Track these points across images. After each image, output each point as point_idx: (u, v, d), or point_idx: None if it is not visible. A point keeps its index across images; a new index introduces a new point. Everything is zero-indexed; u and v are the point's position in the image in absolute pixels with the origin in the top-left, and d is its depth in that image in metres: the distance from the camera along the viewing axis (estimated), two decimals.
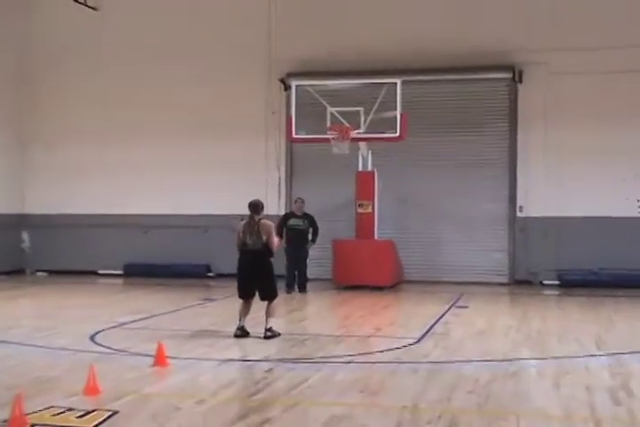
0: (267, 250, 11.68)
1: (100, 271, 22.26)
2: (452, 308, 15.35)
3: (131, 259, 21.96)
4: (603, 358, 10.16)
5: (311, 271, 18.70)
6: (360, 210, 19.07)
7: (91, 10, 22.06)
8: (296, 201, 18.73)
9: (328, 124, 18.61)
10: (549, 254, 19.64)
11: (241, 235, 11.72)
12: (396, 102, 18.33)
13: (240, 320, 11.65)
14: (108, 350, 10.50)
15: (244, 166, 21.37)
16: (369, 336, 12.06)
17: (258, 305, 11.84)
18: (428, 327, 12.58)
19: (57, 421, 6.98)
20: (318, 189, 20.78)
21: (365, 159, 19.23)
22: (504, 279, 20.13)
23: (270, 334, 11.47)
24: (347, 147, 18.47)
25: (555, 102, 19.67)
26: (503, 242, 20.31)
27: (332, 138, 18.42)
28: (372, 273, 18.34)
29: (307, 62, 20.86)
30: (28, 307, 16.52)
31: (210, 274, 21.46)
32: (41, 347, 10.78)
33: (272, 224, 11.99)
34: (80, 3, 21.68)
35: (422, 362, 9.83)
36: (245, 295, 11.78)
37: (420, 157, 20.59)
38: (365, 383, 8.84)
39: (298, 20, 21.24)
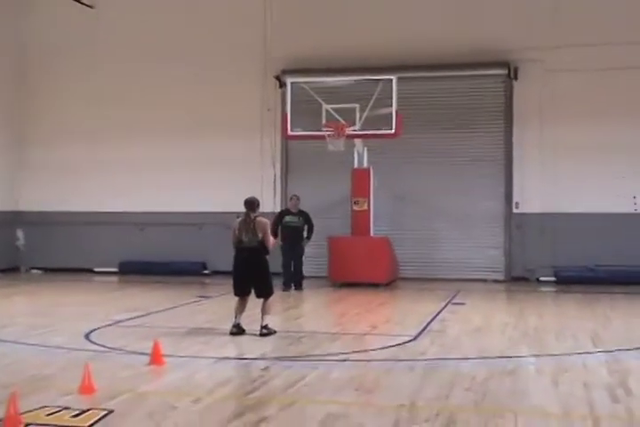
0: (262, 247, 11.64)
1: (96, 269, 22.20)
2: (449, 305, 15.32)
3: (126, 256, 21.91)
4: (600, 355, 10.14)
5: (307, 269, 18.67)
6: (356, 207, 19.04)
7: (87, 8, 21.99)
8: (291, 198, 18.71)
9: (323, 121, 18.59)
10: (545, 251, 19.64)
11: (236, 232, 11.68)
12: (391, 99, 18.29)
13: (236, 318, 11.61)
14: (104, 349, 10.45)
15: (239, 164, 21.34)
16: (365, 334, 12.02)
17: (254, 303, 11.80)
18: (424, 325, 12.55)
19: (52, 420, 6.93)
20: (314, 186, 20.77)
21: (361, 156, 19.19)
22: (500, 276, 20.14)
23: (266, 332, 11.44)
24: (342, 144, 18.44)
25: (550, 99, 19.66)
26: (499, 239, 20.31)
27: (328, 135, 18.39)
28: (367, 270, 18.30)
29: (302, 59, 20.82)
30: (23, 305, 16.46)
31: (205, 271, 21.43)
32: (36, 345, 10.73)
33: (268, 222, 11.96)
34: (76, 1, 21.59)
35: (419, 360, 9.80)
36: (241, 293, 11.74)
37: (415, 154, 20.57)
38: (362, 381, 8.81)
39: (293, 18, 21.21)
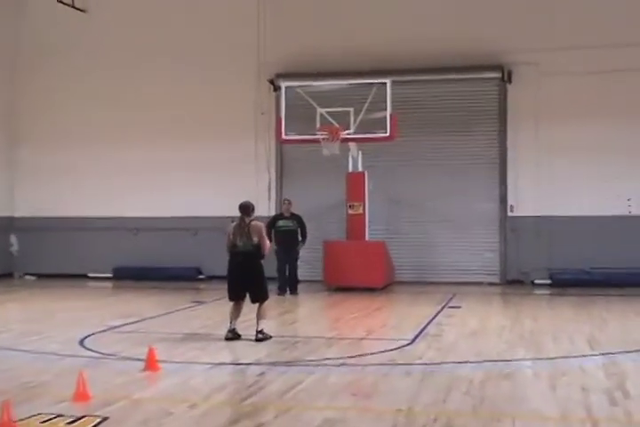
0: (257, 252, 11.60)
1: (90, 275, 22.13)
2: (445, 308, 15.29)
3: (120, 262, 21.84)
4: (597, 357, 10.10)
5: (302, 273, 18.64)
6: (351, 211, 19.00)
7: (79, 11, 21.95)
8: (284, 202, 18.70)
9: (318, 124, 18.56)
10: (541, 254, 19.62)
11: (231, 237, 11.63)
12: (385, 102, 18.28)
13: (231, 323, 11.56)
14: (98, 355, 10.39)
15: (233, 168, 21.30)
16: (361, 338, 11.99)
17: (249, 308, 11.74)
18: (420, 329, 12.50)
19: None
20: (309, 190, 20.74)
21: (355, 160, 19.15)
22: (496, 279, 20.10)
23: (262, 337, 11.38)
24: (337, 147, 18.40)
25: (544, 102, 19.64)
26: (494, 242, 20.28)
27: (322, 139, 18.35)
28: (363, 274, 18.26)
29: (296, 63, 20.80)
30: (17, 311, 16.39)
31: (200, 276, 21.35)
32: (30, 352, 10.66)
33: (263, 225, 11.92)
34: (68, 5, 21.57)
35: (416, 364, 9.75)
36: (236, 298, 11.68)
37: (410, 158, 20.55)
38: (358, 386, 8.78)
39: (287, 22, 21.18)
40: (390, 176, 20.39)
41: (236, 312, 11.63)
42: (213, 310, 15.14)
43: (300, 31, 20.98)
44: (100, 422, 7.02)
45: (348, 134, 18.41)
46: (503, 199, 20.14)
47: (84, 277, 22.02)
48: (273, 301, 13.32)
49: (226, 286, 11.81)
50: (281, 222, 18.01)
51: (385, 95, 18.30)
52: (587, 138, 19.46)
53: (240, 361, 10.21)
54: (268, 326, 11.70)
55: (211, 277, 20.67)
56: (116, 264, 21.89)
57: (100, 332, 12.31)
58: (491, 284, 19.87)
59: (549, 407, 7.60)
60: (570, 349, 10.81)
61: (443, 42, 20.09)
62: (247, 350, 10.75)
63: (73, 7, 21.72)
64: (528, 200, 19.89)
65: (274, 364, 9.85)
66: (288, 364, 9.84)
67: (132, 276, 21.41)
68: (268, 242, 11.88)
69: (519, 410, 7.60)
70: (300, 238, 18.13)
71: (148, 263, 21.48)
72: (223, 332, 11.56)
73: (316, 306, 17.03)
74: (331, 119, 18.50)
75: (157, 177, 21.70)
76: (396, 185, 20.53)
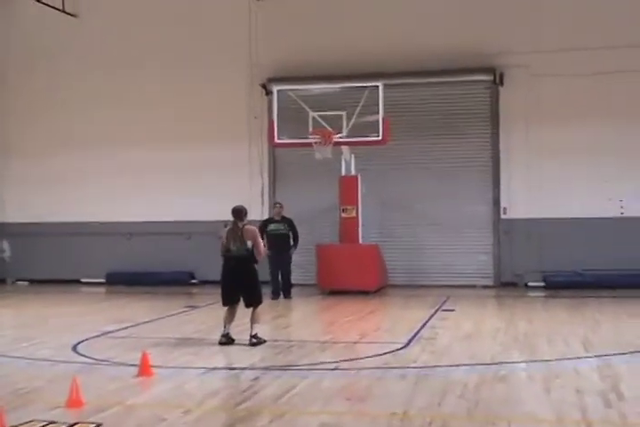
0: (251, 256, 11.58)
1: (83, 280, 22.09)
2: (439, 311, 15.27)
3: (114, 267, 21.79)
4: (591, 359, 10.10)
5: (295, 277, 18.60)
6: (344, 215, 18.99)
7: (70, 16, 21.92)
8: (274, 206, 18.67)
9: (310, 128, 18.53)
10: (534, 256, 19.61)
11: (225, 241, 11.62)
12: (378, 106, 18.27)
13: (225, 327, 11.54)
14: (91, 361, 10.35)
15: (226, 172, 21.27)
16: (355, 342, 11.94)
17: (243, 312, 11.72)
18: (414, 332, 12.49)
19: None
20: (302, 194, 20.72)
21: (348, 163, 19.15)
22: (489, 282, 20.10)
23: (255, 341, 11.37)
24: (329, 151, 18.40)
25: (536, 104, 19.65)
26: (488, 244, 20.28)
27: (315, 142, 18.34)
28: (356, 278, 18.25)
29: (288, 67, 20.79)
30: (9, 317, 16.31)
31: (193, 281, 21.32)
32: (22, 358, 10.63)
33: (256, 229, 11.92)
34: (58, 9, 21.54)
35: (410, 367, 9.74)
36: (230, 303, 11.67)
37: (402, 161, 20.54)
38: (353, 390, 8.76)
39: (278, 26, 21.17)
40: (383, 179, 20.39)
41: (230, 317, 11.62)
42: (207, 314, 15.10)
43: (291, 35, 20.98)
44: None
45: (340, 138, 18.41)
46: (496, 202, 20.14)
47: (77, 282, 21.98)
48: (267, 305, 13.31)
49: (219, 291, 11.81)
50: (272, 226, 17.97)
51: (377, 99, 18.29)
52: (579, 140, 19.47)
53: (234, 366, 10.18)
54: (261, 330, 11.68)
55: (204, 282, 20.64)
56: (109, 269, 21.85)
57: (93, 337, 12.28)
58: (484, 286, 19.87)
59: (544, 410, 7.59)
60: (564, 351, 10.79)
61: (434, 45, 20.09)
62: (241, 355, 10.73)
63: (63, 12, 21.69)
64: (521, 202, 19.89)
65: (268, 368, 9.83)
66: (282, 368, 9.82)
67: (126, 281, 21.37)
68: (262, 246, 11.87)
69: (514, 413, 7.58)
70: (291, 242, 18.11)
71: (141, 268, 21.44)
72: (217, 336, 11.55)
73: (310, 310, 17.01)
74: (323, 123, 18.49)
75: (150, 182, 21.67)
76: (389, 188, 20.52)
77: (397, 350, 10.94)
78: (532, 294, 18.90)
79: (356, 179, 19.07)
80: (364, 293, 18.17)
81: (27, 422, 7.13)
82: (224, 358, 10.77)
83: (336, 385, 8.89)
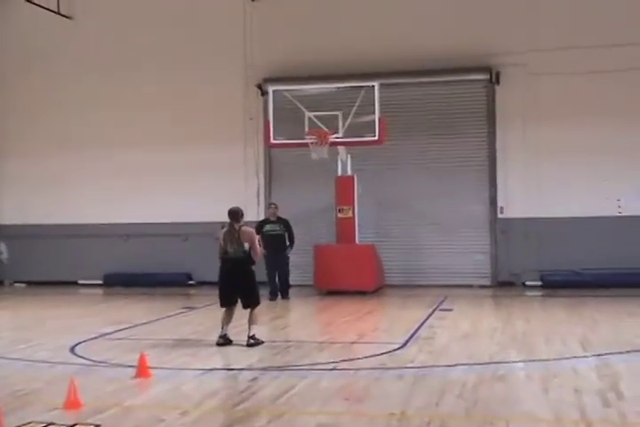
0: (248, 258, 11.58)
1: (80, 282, 22.06)
2: (436, 311, 15.26)
3: (111, 268, 21.77)
4: (589, 359, 10.09)
5: (292, 277, 18.58)
6: (340, 215, 18.98)
7: (65, 18, 21.91)
8: (270, 207, 18.66)
9: (306, 128, 18.52)
10: (531, 256, 19.62)
11: (222, 243, 11.61)
12: (374, 106, 18.26)
13: (222, 329, 11.53)
14: (89, 362, 10.34)
15: (222, 173, 21.25)
16: (353, 342, 11.93)
17: (240, 313, 11.70)
18: (412, 332, 12.48)
19: None
20: (298, 194, 20.71)
21: (345, 164, 19.14)
22: (486, 281, 20.09)
23: (253, 342, 11.36)
24: (326, 151, 18.38)
25: (532, 103, 19.66)
26: (485, 244, 20.27)
27: (311, 143, 18.33)
28: (353, 278, 18.24)
29: (283, 67, 20.79)
30: (7, 319, 16.28)
31: (191, 282, 21.31)
32: (20, 360, 10.61)
33: (253, 231, 11.91)
34: (54, 12, 21.52)
35: (408, 367, 9.74)
36: (227, 304, 11.66)
37: (399, 161, 20.54)
38: (351, 391, 8.75)
39: (273, 26, 21.17)
40: (379, 180, 20.38)
41: (227, 318, 11.61)
42: (204, 315, 15.10)
43: (287, 35, 20.97)
44: None
45: (336, 138, 18.40)
46: (493, 201, 20.14)
47: (75, 284, 21.95)
48: (264, 306, 13.28)
49: (217, 292, 11.80)
50: (268, 227, 17.94)
51: (373, 98, 18.28)
52: (576, 138, 19.46)
53: (232, 367, 10.17)
54: (259, 331, 11.67)
55: (201, 283, 20.64)
56: (106, 271, 21.83)
57: (91, 339, 12.27)
58: (482, 286, 19.86)
59: (543, 409, 7.58)
60: (562, 350, 10.79)
61: (430, 44, 20.10)
62: (239, 356, 10.72)
63: (59, 14, 21.67)
64: (518, 202, 19.89)
65: (266, 369, 9.82)
66: (280, 369, 9.81)
67: (123, 282, 21.37)
68: (259, 247, 11.88)
69: (512, 412, 7.58)
70: (287, 243, 18.10)
71: (138, 270, 21.42)
72: (214, 338, 11.54)
73: (308, 310, 17.00)
74: (319, 123, 18.48)
75: (147, 184, 21.65)
76: (386, 188, 20.51)
77: (395, 350, 10.93)
78: (529, 293, 18.89)
79: (353, 179, 19.07)
80: (362, 293, 18.17)
81: (25, 424, 7.12)
82: (222, 359, 10.75)
83: (334, 385, 8.89)
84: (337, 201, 19.08)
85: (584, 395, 8.05)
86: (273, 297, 17.64)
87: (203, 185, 21.24)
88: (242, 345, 11.29)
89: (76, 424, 7.14)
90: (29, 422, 7.19)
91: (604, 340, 11.70)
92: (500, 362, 9.97)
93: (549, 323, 13.70)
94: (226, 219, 11.71)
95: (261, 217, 19.90)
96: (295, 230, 18.26)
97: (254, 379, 9.17)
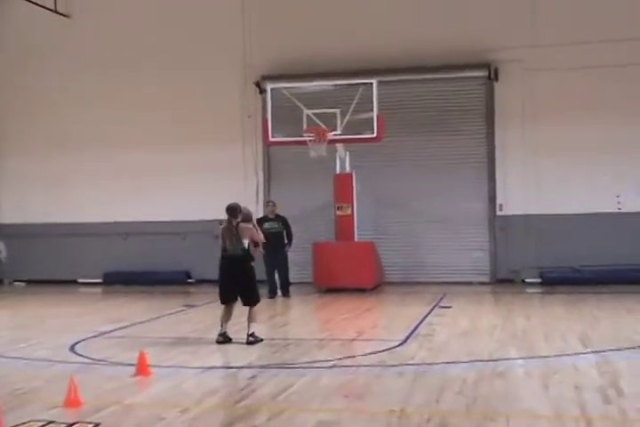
0: (247, 255, 11.58)
1: (80, 280, 22.06)
2: (436, 308, 15.26)
3: (110, 267, 21.76)
4: (590, 355, 10.08)
5: (292, 275, 18.56)
6: (339, 212, 18.97)
7: (62, 16, 21.88)
8: (268, 204, 18.63)
9: (304, 126, 18.48)
10: (530, 252, 19.62)
11: (221, 240, 11.60)
12: (372, 103, 18.23)
13: (222, 326, 11.52)
14: (89, 361, 10.34)
15: (221, 171, 21.23)
16: (352, 340, 11.94)
17: (240, 311, 11.69)
18: (411, 329, 12.47)
19: None
20: (297, 192, 20.70)
21: (343, 161, 19.13)
22: (486, 278, 20.10)
23: (253, 340, 11.35)
24: (324, 149, 18.35)
25: (531, 99, 19.67)
26: (484, 241, 20.27)
27: (309, 140, 18.31)
28: (353, 275, 18.24)
29: (281, 65, 20.77)
30: (6, 318, 16.25)
31: (190, 280, 21.30)
32: (20, 358, 10.61)
33: (251, 226, 11.86)
34: (51, 10, 21.50)
35: (408, 364, 9.72)
36: (227, 301, 11.65)
37: (397, 158, 20.52)
38: (351, 388, 8.74)
39: (271, 24, 21.14)
40: (378, 177, 20.36)
41: (226, 316, 11.60)
42: (204, 313, 15.09)
43: (284, 33, 20.95)
44: None
45: (335, 136, 18.37)
46: (492, 198, 20.13)
47: (74, 282, 21.95)
48: (263, 304, 13.25)
49: (216, 290, 11.82)
50: (266, 225, 17.89)
51: (371, 96, 18.25)
52: (575, 135, 19.44)
53: (231, 365, 10.18)
54: (258, 328, 11.66)
55: (200, 281, 20.64)
56: (105, 269, 21.82)
57: (90, 337, 12.26)
58: (481, 283, 19.85)
59: (543, 406, 7.58)
60: (562, 347, 10.78)
61: (428, 41, 20.08)
62: (238, 354, 10.72)
63: (56, 12, 21.64)
64: (517, 199, 19.89)
65: (265, 367, 9.81)
66: (279, 366, 9.80)
67: (123, 281, 21.36)
68: (260, 236, 11.86)
69: (512, 409, 7.57)
70: (285, 240, 18.08)
71: (137, 268, 21.42)
72: (214, 336, 11.53)
73: (307, 308, 16.99)
74: (317, 121, 18.44)
75: (145, 182, 21.63)
76: (384, 186, 20.49)
77: (395, 347, 10.92)
78: (529, 290, 18.89)
79: (351, 176, 19.06)
80: (361, 290, 18.17)
81: (25, 423, 7.11)
82: (221, 357, 10.76)
83: (334, 383, 8.88)
84: (335, 198, 19.07)
85: (584, 392, 8.05)
86: (272, 295, 17.63)
87: (202, 183, 21.21)
88: (241, 343, 11.28)
89: (75, 423, 7.14)
90: (29, 421, 7.17)
91: (605, 337, 11.70)
92: (500, 359, 9.96)
93: (549, 320, 13.70)
94: (225, 216, 11.69)
95: (260, 215, 19.86)
96: (294, 228, 18.27)
97: (254, 377, 9.16)
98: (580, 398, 7.81)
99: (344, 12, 20.68)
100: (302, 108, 18.59)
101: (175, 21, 21.62)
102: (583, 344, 10.94)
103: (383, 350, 10.67)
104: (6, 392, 8.48)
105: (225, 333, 11.48)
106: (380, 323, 14.40)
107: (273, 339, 11.87)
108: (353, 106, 18.23)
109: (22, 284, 22.26)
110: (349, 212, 18.92)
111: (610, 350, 10.40)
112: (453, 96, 20.38)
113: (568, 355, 10.16)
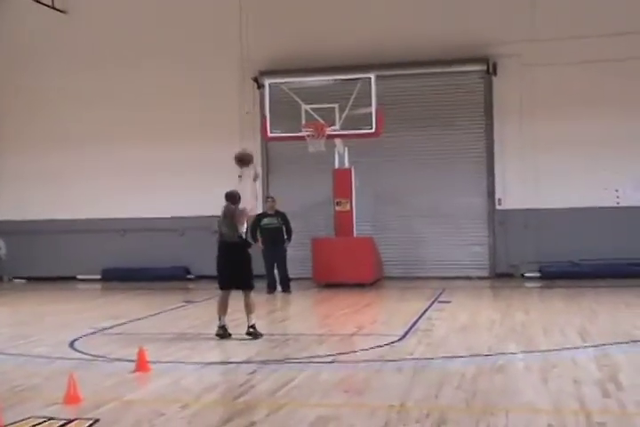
0: (244, 242, 11.66)
1: (79, 277, 22.06)
2: (435, 303, 15.27)
3: (109, 263, 21.75)
4: (588, 349, 10.08)
5: (291, 270, 18.52)
6: (338, 208, 18.97)
7: (59, 12, 21.85)
8: (267, 200, 18.61)
9: (303, 121, 18.48)
10: (529, 247, 19.63)
11: (216, 225, 11.69)
12: (370, 98, 18.23)
13: (220, 319, 11.52)
14: (88, 357, 10.33)
15: (220, 167, 21.09)
16: (352, 335, 11.93)
17: (238, 306, 11.68)
18: (410, 324, 12.47)
19: None
20: (295, 187, 20.69)
21: (342, 156, 19.12)
22: (485, 273, 20.11)
23: (253, 331, 11.35)
24: (323, 144, 18.36)
25: (529, 94, 19.65)
26: (483, 236, 20.28)
27: (308, 136, 18.30)
28: (352, 271, 18.24)
29: (279, 60, 20.74)
30: (6, 315, 16.25)
31: (189, 276, 21.30)
32: (19, 355, 10.60)
33: (245, 209, 11.85)
34: (48, 6, 21.47)
35: (407, 359, 9.73)
36: (226, 286, 11.64)
37: (396, 153, 20.51)
38: (350, 383, 8.74)
39: (269, 19, 21.11)
40: (377, 172, 20.36)
41: (223, 308, 11.56)
42: (203, 309, 15.05)
43: (282, 28, 20.92)
44: (91, 425, 6.98)
45: (333, 131, 18.37)
46: (491, 193, 20.14)
47: (73, 279, 21.95)
48: (263, 299, 13.31)
49: (215, 286, 11.86)
50: (265, 220, 17.92)
51: (370, 91, 18.25)
52: (574, 129, 19.44)
53: (231, 360, 10.17)
54: (258, 324, 11.62)
55: (199, 277, 20.63)
56: (104, 266, 21.82)
57: (89, 334, 12.26)
58: (480, 278, 19.86)
59: (542, 400, 7.58)
60: (561, 341, 10.79)
61: (426, 35, 20.06)
62: (237, 349, 10.72)
63: (53, 8, 21.61)
64: (516, 193, 19.88)
65: (265, 362, 9.80)
66: (279, 362, 9.80)
67: (121, 277, 21.36)
68: (249, 208, 11.92)
69: (512, 403, 7.56)
70: (285, 236, 18.08)
71: (136, 264, 21.41)
72: (213, 331, 11.53)
73: (306, 303, 17.00)
74: (316, 116, 18.45)
75: (144, 178, 21.61)
76: (383, 181, 20.49)
77: (394, 342, 10.92)
78: (528, 284, 18.89)
79: (350, 172, 19.05)
80: (360, 285, 18.17)
81: (24, 419, 7.11)
82: (221, 353, 10.76)
83: (333, 378, 8.88)
84: (334, 194, 19.07)
85: (583, 385, 8.05)
86: (271, 290, 17.62)
87: (200, 179, 21.15)
88: (241, 338, 11.28)
89: (75, 419, 7.13)
90: (29, 418, 7.17)
91: (603, 331, 11.69)
92: (499, 353, 9.96)
93: (548, 314, 13.70)
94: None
95: (259, 210, 19.87)
96: (293, 224, 18.25)
97: (253, 372, 9.16)
98: (579, 391, 7.81)
99: (342, 7, 20.65)
100: (301, 103, 18.58)
101: (173, 18, 21.59)
102: (582, 338, 10.94)
103: (382, 345, 10.68)
104: (6, 389, 8.48)
105: (224, 326, 11.47)
106: (380, 318, 14.40)
107: (272, 334, 11.86)
108: (351, 101, 18.23)
109: (22, 281, 22.25)
110: (348, 207, 18.92)
111: (609, 344, 10.40)
112: (452, 91, 20.37)
113: (567, 349, 10.16)
